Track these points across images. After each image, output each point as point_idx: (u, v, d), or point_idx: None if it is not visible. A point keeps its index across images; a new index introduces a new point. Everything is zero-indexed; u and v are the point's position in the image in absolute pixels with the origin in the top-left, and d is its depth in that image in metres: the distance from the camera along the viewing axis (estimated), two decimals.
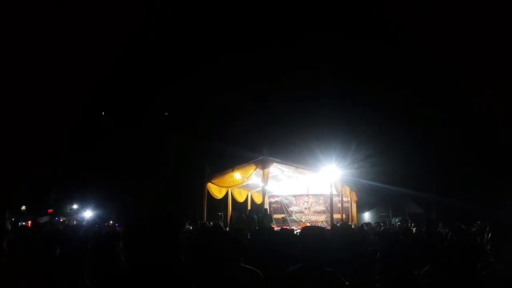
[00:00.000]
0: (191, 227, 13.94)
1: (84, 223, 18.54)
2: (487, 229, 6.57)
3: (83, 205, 26.45)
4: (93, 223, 17.67)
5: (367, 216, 26.54)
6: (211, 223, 12.83)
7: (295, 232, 6.85)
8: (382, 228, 15.20)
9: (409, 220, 19.99)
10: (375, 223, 16.91)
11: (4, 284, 2.58)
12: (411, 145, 27.42)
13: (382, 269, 3.63)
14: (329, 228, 11.15)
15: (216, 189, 13.99)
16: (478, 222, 11.36)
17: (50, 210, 21.46)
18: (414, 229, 14.03)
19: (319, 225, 15.33)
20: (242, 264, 2.75)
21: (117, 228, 13.90)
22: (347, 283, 2.93)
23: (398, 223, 19.77)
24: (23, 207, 22.18)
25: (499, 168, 23.33)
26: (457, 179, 24.90)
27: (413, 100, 26.74)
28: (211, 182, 13.75)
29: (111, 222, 18.31)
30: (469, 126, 25.39)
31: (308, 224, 15.79)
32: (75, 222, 20.32)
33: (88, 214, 24.34)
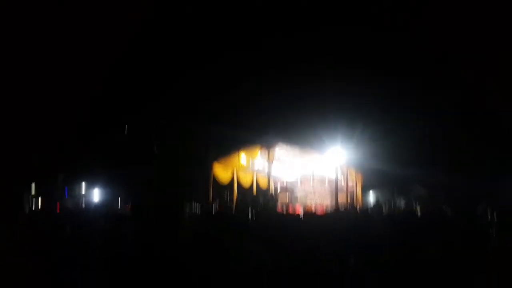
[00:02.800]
0: (197, 210, 14.11)
1: (93, 205, 18.79)
2: (490, 211, 6.63)
3: (92, 186, 26.77)
4: (101, 205, 17.91)
5: (372, 198, 26.62)
6: (217, 206, 13.00)
7: (300, 216, 6.93)
8: (387, 210, 15.31)
9: (414, 202, 20.07)
10: (375, 202, 16.96)
11: (17, 261, 2.66)
12: (418, 126, 27.25)
13: (388, 250, 3.68)
14: (333, 211, 11.23)
15: (221, 172, 14.07)
16: (482, 203, 11.39)
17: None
18: (419, 210, 14.11)
19: (324, 208, 15.49)
20: (247, 246, 2.80)
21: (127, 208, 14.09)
22: (352, 262, 2.98)
23: (404, 204, 19.85)
24: (33, 189, 22.50)
25: (507, 150, 23.19)
26: (463, 161, 24.82)
27: (420, 80, 26.41)
28: (216, 165, 13.82)
29: (119, 204, 18.54)
30: (478, 107, 25.13)
31: (313, 207, 15.93)
32: (83, 204, 20.61)
33: (96, 195, 24.63)
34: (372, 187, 25.56)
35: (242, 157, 13.50)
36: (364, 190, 21.73)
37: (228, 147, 14.09)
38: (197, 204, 14.12)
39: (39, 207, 16.10)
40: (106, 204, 17.06)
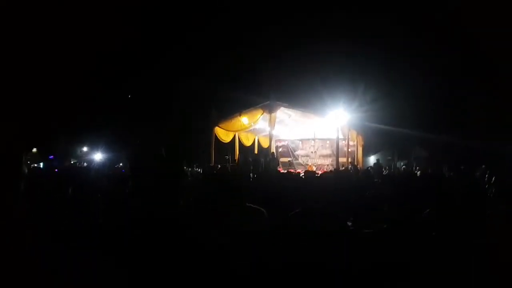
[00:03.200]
0: (200, 170, 14.25)
1: (93, 166, 18.98)
2: (487, 173, 6.65)
3: (93, 147, 26.98)
4: (103, 166, 18.09)
5: (372, 160, 26.79)
6: (219, 166, 13.10)
7: (301, 175, 6.97)
8: (387, 171, 15.40)
9: (414, 164, 20.19)
10: (376, 163, 17.01)
11: (18, 223, 2.70)
12: (420, 87, 26.91)
13: (388, 211, 3.72)
14: (334, 171, 11.29)
15: (223, 133, 14.09)
16: (482, 167, 11.45)
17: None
18: (418, 172, 14.20)
19: (325, 169, 15.61)
20: (247, 204, 2.83)
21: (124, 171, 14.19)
22: (349, 223, 3.02)
23: (404, 166, 19.97)
24: (34, 149, 22.66)
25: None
26: (465, 123, 24.76)
27: (424, 40, 25.81)
28: (218, 127, 13.81)
29: (120, 164, 18.74)
30: (483, 68, 24.65)
31: (314, 168, 16.06)
32: (85, 164, 20.85)
33: (98, 156, 24.88)
34: (373, 148, 25.68)
35: (244, 120, 13.46)
36: (365, 152, 21.82)
37: (230, 109, 14.02)
38: (199, 167, 14.25)
39: (40, 166, 16.24)
40: (108, 165, 17.20)
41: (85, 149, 28.93)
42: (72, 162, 22.48)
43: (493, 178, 5.60)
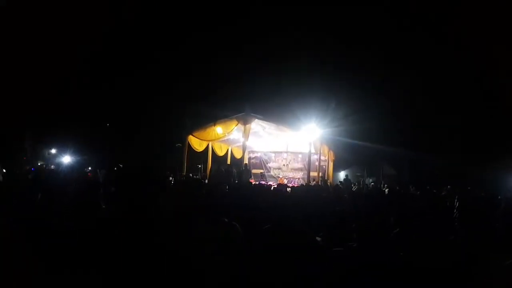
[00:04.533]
0: (171, 179, 14.09)
1: (62, 169, 18.41)
2: (456, 197, 6.93)
3: (62, 150, 26.14)
4: (71, 169, 17.59)
5: (342, 175, 27.32)
6: (195, 176, 12.98)
7: (272, 188, 7.04)
8: (356, 187, 15.76)
9: (382, 181, 20.74)
10: (345, 178, 17.38)
11: None
12: (389, 106, 27.84)
13: (355, 228, 3.83)
14: (305, 185, 11.45)
15: (197, 142, 14.03)
16: (448, 187, 11.95)
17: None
18: (386, 190, 14.60)
19: (297, 182, 15.79)
20: (220, 218, 2.86)
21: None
22: (318, 239, 3.10)
23: (372, 183, 20.48)
24: None
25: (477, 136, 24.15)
26: (432, 143, 25.74)
27: (394, 58, 26.86)
28: (192, 135, 13.75)
29: (89, 168, 18.24)
30: (451, 89, 25.85)
31: (285, 181, 16.21)
32: (52, 167, 20.17)
33: (66, 159, 24.13)
34: (344, 164, 26.21)
35: (219, 129, 13.48)
36: (336, 167, 22.24)
37: (204, 120, 14.01)
38: (171, 176, 14.10)
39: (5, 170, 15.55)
40: (78, 169, 16.73)
41: (53, 151, 27.94)
42: (39, 164, 21.70)
43: (457, 203, 5.80)
